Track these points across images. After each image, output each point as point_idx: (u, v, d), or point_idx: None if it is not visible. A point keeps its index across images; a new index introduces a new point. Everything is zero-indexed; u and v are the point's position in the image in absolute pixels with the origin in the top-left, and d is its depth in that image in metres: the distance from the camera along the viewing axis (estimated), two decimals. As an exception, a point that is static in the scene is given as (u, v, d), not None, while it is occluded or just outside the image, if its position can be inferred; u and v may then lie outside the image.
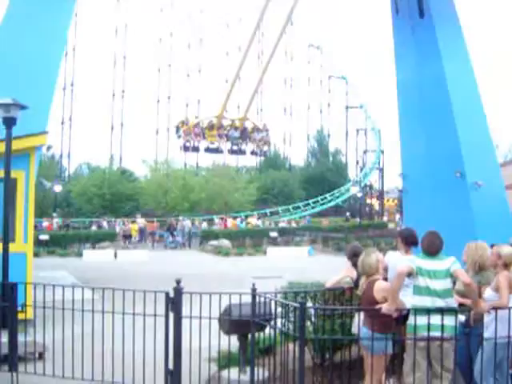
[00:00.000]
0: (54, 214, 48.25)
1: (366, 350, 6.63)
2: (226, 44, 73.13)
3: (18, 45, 16.07)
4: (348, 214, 58.16)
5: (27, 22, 16.33)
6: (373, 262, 6.78)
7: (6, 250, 9.66)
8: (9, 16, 16.45)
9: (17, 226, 12.10)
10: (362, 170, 69.49)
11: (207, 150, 54.11)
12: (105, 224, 46.54)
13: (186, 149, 52.72)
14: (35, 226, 43.45)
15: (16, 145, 10.52)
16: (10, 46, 16.08)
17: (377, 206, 68.67)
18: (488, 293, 6.70)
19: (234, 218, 51.75)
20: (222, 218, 50.05)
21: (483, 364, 6.37)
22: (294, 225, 50.15)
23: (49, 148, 56.36)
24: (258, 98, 74.75)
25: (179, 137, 52.83)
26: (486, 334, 6.43)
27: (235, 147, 54.24)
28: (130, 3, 66.63)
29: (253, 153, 55.91)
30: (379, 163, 66.89)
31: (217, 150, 54.32)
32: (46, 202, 49.07)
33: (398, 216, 58.60)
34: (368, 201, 67.03)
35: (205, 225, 47.22)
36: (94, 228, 45.26)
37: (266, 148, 55.04)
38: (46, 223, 43.71)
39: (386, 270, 7.23)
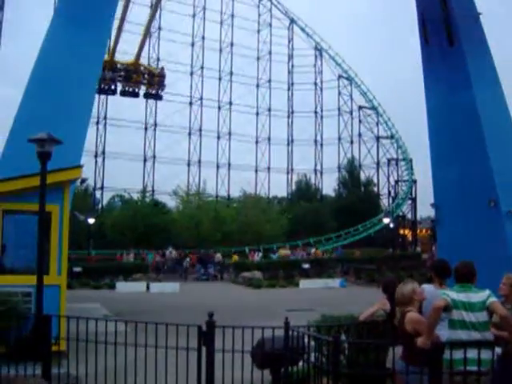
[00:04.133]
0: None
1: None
2: (256, 76, 74.06)
3: (53, 80, 16.43)
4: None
5: (61, 58, 16.71)
6: (406, 291, 6.68)
7: (40, 282, 9.77)
8: (44, 52, 16.87)
9: (51, 259, 12.23)
10: (394, 200, 68.94)
11: (123, 93, 56.76)
12: (131, 256, 46.71)
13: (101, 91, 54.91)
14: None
15: (50, 179, 10.67)
16: (45, 81, 16.45)
17: (410, 237, 67.90)
18: None
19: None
20: (253, 250, 49.97)
21: None
22: (323, 255, 49.88)
23: (83, 181, 57.15)
24: (289, 129, 75.65)
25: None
26: None
27: (129, 89, 56.75)
28: (161, 36, 68.04)
29: (146, 95, 58.78)
30: (411, 193, 66.35)
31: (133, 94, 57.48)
32: (79, 234, 49.56)
33: (433, 247, 57.80)
34: (401, 231, 66.32)
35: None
36: (128, 258, 45.63)
37: (160, 91, 58.43)
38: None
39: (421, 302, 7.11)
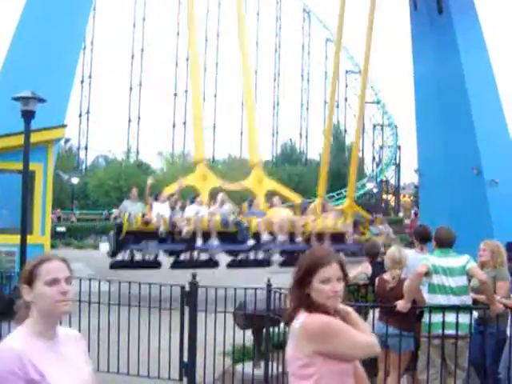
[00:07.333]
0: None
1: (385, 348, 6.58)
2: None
3: (37, 39, 16.16)
4: None
5: (46, 15, 16.42)
6: (405, 256, 6.85)
7: (23, 241, 9.77)
8: (28, 10, 16.56)
9: (34, 218, 12.22)
10: (378, 165, 69.18)
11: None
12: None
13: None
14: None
15: (34, 138, 10.61)
16: (29, 39, 16.18)
17: (393, 202, 68.32)
18: None
19: None
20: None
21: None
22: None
23: (67, 141, 56.67)
24: (275, 92, 75.16)
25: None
26: None
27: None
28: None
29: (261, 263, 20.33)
30: (396, 159, 66.58)
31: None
32: (63, 195, 49.38)
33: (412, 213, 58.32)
34: (384, 196, 66.70)
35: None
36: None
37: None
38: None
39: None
